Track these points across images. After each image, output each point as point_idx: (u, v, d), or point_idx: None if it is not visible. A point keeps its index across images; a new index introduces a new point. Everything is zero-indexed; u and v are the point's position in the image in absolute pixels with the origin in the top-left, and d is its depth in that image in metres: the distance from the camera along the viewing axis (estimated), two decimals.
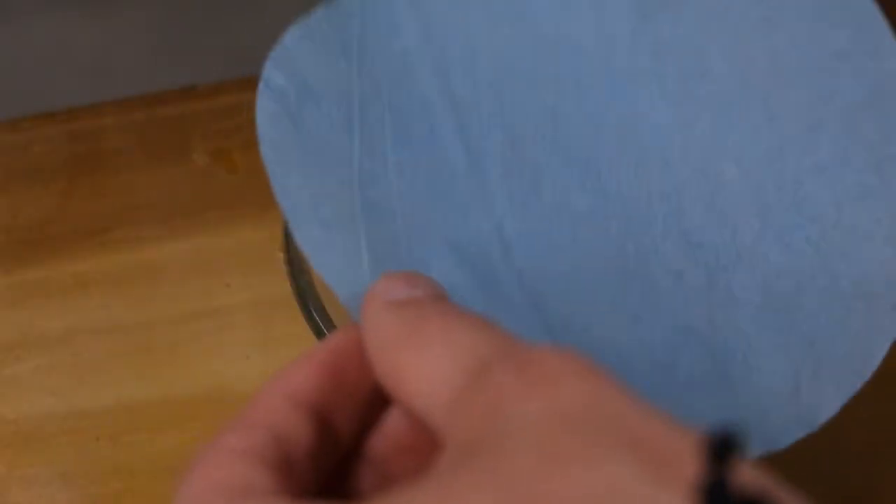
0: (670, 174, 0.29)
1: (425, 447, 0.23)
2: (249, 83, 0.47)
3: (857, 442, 0.37)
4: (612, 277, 0.29)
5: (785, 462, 0.37)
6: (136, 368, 0.39)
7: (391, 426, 0.24)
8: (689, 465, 0.17)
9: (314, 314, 0.31)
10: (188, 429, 0.37)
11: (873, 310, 0.28)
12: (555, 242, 0.29)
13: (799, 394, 0.27)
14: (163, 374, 0.38)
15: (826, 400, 0.27)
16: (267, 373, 0.38)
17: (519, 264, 0.29)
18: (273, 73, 0.30)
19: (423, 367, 0.21)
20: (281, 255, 0.31)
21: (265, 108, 0.29)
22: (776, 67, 0.30)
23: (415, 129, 0.30)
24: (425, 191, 0.29)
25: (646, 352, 0.28)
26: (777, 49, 0.30)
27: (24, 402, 0.38)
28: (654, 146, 0.30)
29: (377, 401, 0.24)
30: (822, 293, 0.28)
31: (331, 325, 0.31)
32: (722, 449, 0.17)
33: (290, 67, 0.30)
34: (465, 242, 0.29)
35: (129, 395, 0.38)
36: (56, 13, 0.43)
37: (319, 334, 0.31)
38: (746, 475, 0.17)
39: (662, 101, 0.30)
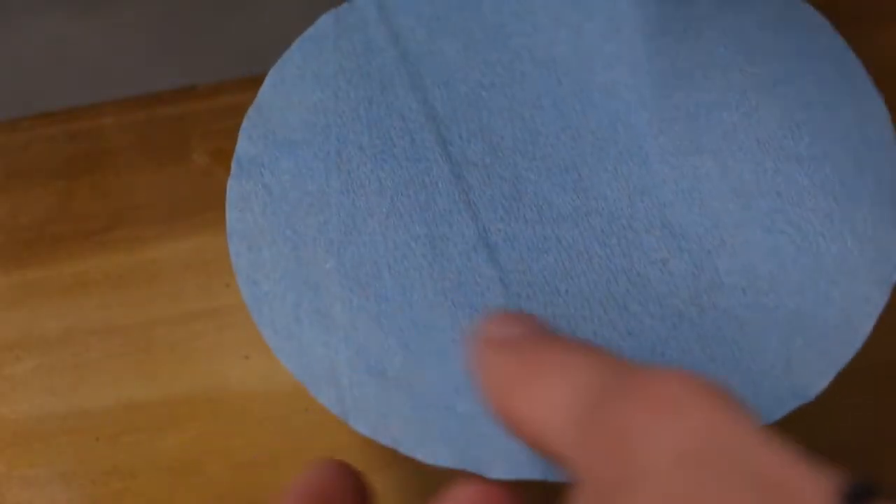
0: (649, 172, 0.30)
1: None
2: (249, 83, 0.47)
3: (856, 442, 0.37)
4: (597, 272, 0.29)
5: None
6: (136, 368, 0.39)
7: None
8: None
9: None
10: (188, 429, 0.37)
11: (857, 283, 0.29)
12: (539, 244, 0.30)
13: (790, 368, 0.28)
14: (163, 374, 0.38)
15: (818, 372, 0.28)
16: (267, 373, 0.38)
17: (504, 267, 0.29)
18: (245, 146, 0.31)
19: (541, 399, 0.21)
20: None
21: (235, 195, 0.31)
22: (755, 77, 0.31)
23: (396, 143, 0.31)
24: (409, 206, 0.30)
25: (635, 342, 0.29)
26: (756, 65, 0.31)
27: (24, 402, 0.38)
28: (632, 148, 0.30)
29: None
30: (805, 270, 0.29)
31: None
32: (859, 496, 0.16)
33: (262, 128, 0.31)
34: (449, 252, 0.30)
35: (129, 395, 0.38)
36: (56, 13, 0.43)
37: None
38: None
39: (640, 109, 0.31)
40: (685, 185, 0.30)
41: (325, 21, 0.32)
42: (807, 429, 0.37)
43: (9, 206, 0.43)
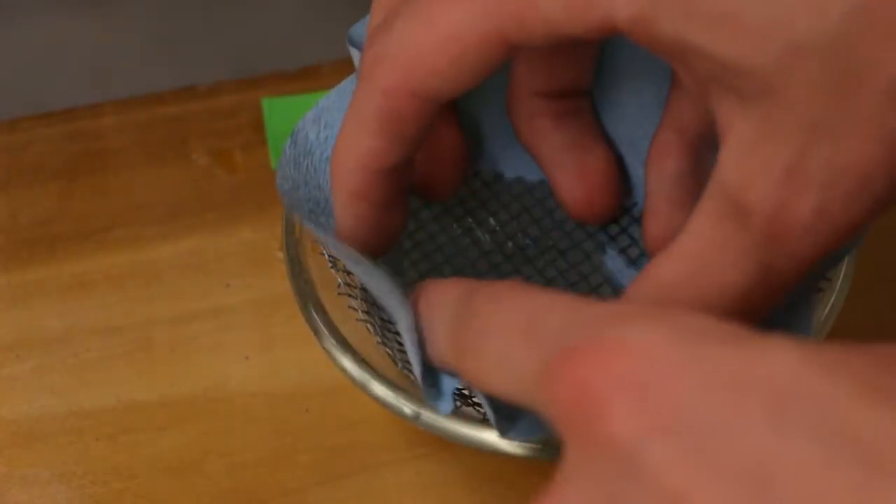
0: None
1: None
2: (249, 83, 0.47)
3: None
4: None
5: None
6: (136, 368, 0.39)
7: None
8: None
9: (314, 314, 0.31)
10: (188, 429, 0.37)
11: None
12: None
13: None
14: (163, 374, 0.38)
15: None
16: (267, 373, 0.38)
17: None
18: (307, 125, 0.30)
19: None
20: (281, 255, 0.31)
21: (284, 175, 0.30)
22: None
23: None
24: None
25: None
26: None
27: (24, 402, 0.38)
28: None
29: None
30: None
31: (331, 325, 0.31)
32: None
33: (323, 121, 0.30)
34: None
35: (129, 395, 0.38)
36: (56, 13, 0.43)
37: (319, 334, 0.31)
38: None
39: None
40: None
41: None
42: None
43: (9, 206, 0.43)
